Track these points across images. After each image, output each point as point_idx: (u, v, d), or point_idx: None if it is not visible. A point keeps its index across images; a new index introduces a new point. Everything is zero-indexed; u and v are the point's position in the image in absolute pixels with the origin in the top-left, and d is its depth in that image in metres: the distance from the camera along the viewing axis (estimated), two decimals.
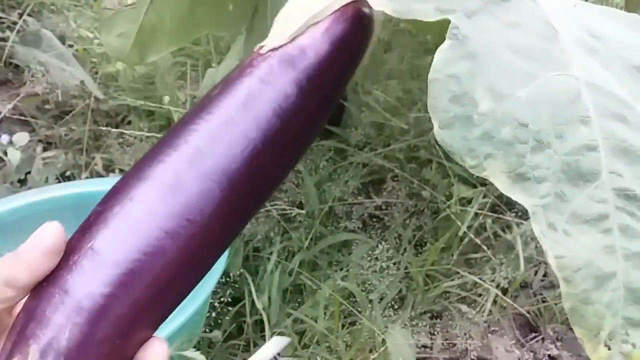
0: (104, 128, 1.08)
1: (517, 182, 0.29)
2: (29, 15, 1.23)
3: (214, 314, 0.80)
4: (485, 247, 0.88)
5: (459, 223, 0.88)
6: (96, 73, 1.19)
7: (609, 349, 0.29)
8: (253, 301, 0.82)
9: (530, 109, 0.30)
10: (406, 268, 0.87)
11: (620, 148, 0.31)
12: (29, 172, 1.01)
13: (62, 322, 0.24)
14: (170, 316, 0.29)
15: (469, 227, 0.89)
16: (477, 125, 0.29)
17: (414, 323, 0.81)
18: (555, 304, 0.87)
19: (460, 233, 0.88)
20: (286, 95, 0.31)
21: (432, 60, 0.30)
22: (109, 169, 1.04)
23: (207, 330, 0.80)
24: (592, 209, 0.29)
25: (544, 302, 0.89)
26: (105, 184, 0.56)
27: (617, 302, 0.29)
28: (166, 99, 1.03)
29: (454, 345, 0.83)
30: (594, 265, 0.29)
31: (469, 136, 0.29)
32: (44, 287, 0.25)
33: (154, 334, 0.27)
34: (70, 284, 0.25)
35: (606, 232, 0.29)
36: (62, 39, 1.21)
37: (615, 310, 0.29)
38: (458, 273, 0.87)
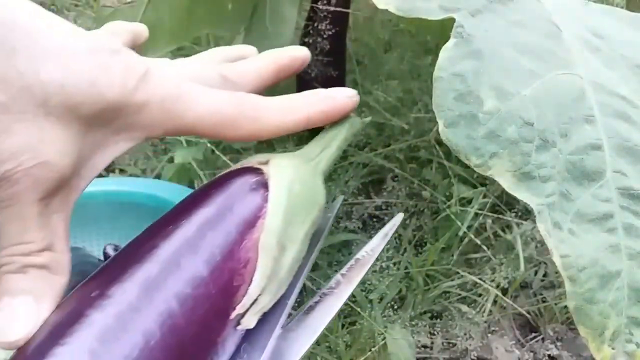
0: None
1: (523, 181, 0.29)
2: None
3: None
4: (485, 247, 0.87)
5: (459, 223, 0.87)
6: None
7: (613, 348, 0.29)
8: None
9: (535, 107, 0.30)
10: (406, 268, 0.87)
11: (624, 147, 0.31)
12: None
13: None
14: None
15: (469, 227, 0.88)
16: (482, 123, 0.29)
17: (414, 323, 0.81)
18: (556, 304, 0.87)
19: (460, 233, 0.88)
20: None
21: (432, 60, 0.30)
22: (109, 168, 1.04)
23: None
24: (597, 208, 0.29)
25: (544, 302, 0.89)
26: (105, 184, 0.56)
27: (622, 302, 0.29)
28: None
29: (454, 345, 0.82)
30: (599, 264, 0.29)
31: (474, 135, 0.29)
32: None
33: None
34: None
35: (611, 231, 0.29)
36: None
37: (620, 309, 0.29)
38: (458, 273, 0.86)
